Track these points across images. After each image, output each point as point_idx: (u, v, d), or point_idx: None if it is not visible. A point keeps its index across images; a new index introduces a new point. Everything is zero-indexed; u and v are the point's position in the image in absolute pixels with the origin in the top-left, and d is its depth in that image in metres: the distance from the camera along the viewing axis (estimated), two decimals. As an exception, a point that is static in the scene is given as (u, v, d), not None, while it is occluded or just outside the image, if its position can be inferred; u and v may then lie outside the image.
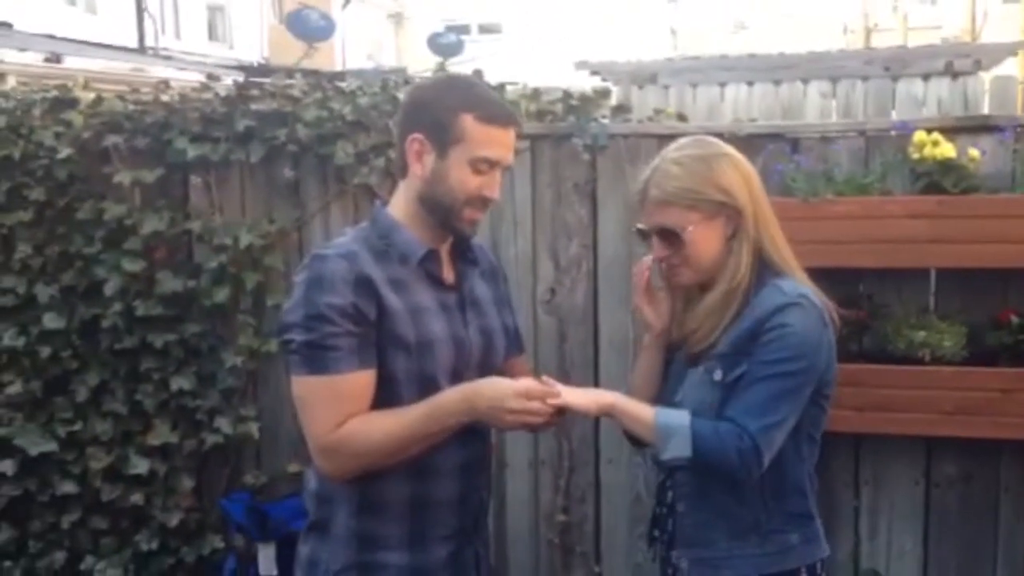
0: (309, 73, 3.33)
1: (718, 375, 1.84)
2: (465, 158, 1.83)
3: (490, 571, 2.08)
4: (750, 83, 7.21)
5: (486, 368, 1.95)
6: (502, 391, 1.78)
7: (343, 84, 3.48)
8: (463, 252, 1.98)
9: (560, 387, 1.82)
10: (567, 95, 3.28)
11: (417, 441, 1.82)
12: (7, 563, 3.44)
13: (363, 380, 1.79)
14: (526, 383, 1.81)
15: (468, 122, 1.81)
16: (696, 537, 1.90)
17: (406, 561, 1.90)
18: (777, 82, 7.13)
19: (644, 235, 1.93)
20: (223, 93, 3.29)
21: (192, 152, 3.22)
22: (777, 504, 1.87)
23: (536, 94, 3.34)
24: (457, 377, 1.89)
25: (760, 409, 1.78)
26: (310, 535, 1.95)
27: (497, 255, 3.19)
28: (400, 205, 1.91)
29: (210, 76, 3.65)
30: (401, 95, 3.24)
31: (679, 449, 1.79)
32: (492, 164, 1.85)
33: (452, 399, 1.81)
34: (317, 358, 1.76)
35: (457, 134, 1.82)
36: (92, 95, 3.42)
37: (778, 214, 2.64)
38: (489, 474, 2.05)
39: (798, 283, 1.87)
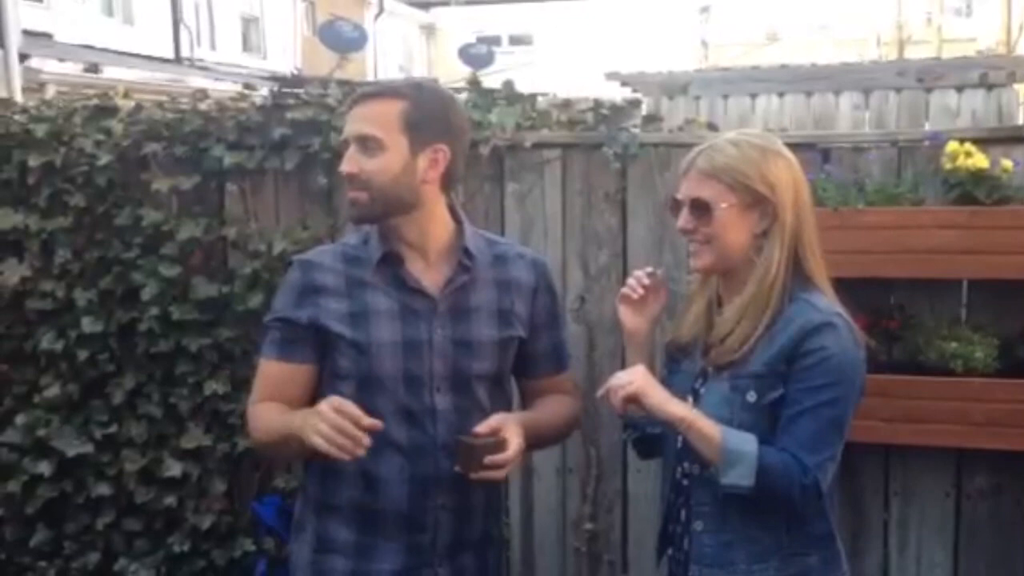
0: (342, 83, 3.36)
1: (751, 396, 1.81)
2: None
3: None
4: (781, 94, 7.20)
5: (460, 378, 1.96)
6: (318, 407, 1.78)
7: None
8: (460, 259, 1.99)
9: (641, 381, 1.80)
10: (598, 104, 3.30)
11: (286, 442, 1.91)
12: (42, 563, 3.50)
13: (278, 369, 2.00)
14: (338, 400, 1.78)
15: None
16: (715, 557, 1.87)
17: (350, 568, 1.96)
18: (809, 93, 7.12)
19: (677, 206, 1.90)
20: (259, 102, 3.35)
21: (228, 160, 3.27)
22: (800, 527, 1.84)
23: (567, 104, 3.36)
24: (417, 382, 1.93)
25: (814, 443, 1.76)
26: (293, 532, 2.08)
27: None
28: None
29: (246, 85, 3.71)
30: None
31: (742, 477, 1.75)
32: (344, 142, 1.97)
33: (298, 414, 1.88)
34: (262, 342, 2.05)
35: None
36: (132, 104, 3.49)
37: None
38: (466, 494, 1.98)
39: (832, 300, 1.85)
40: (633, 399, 1.81)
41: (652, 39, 20.37)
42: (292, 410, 1.95)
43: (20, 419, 3.45)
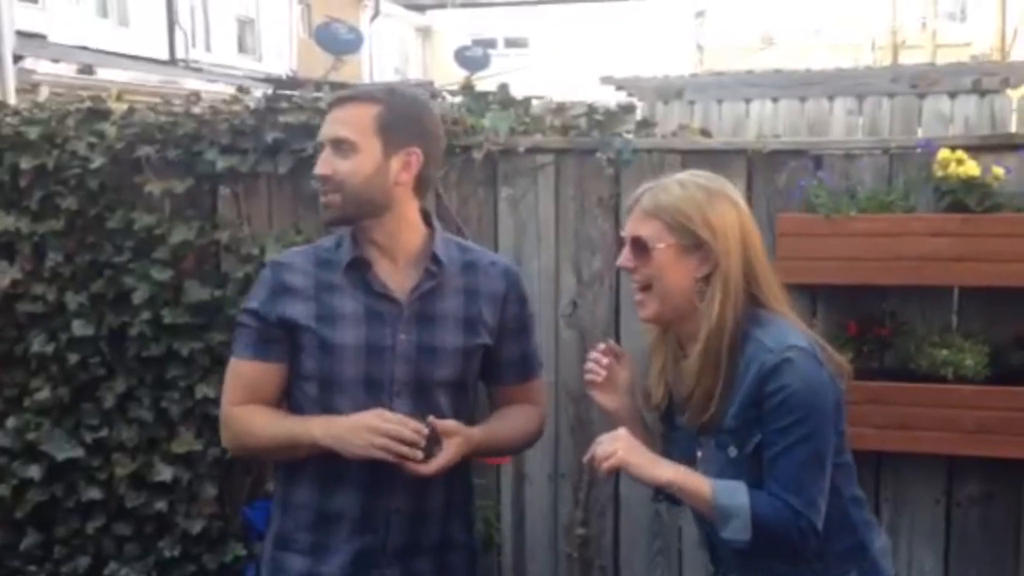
0: (337, 86, 3.36)
1: (732, 452, 1.80)
2: None
3: None
4: (775, 99, 7.23)
5: (423, 384, 1.98)
6: (363, 415, 1.90)
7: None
8: (427, 265, 2.01)
9: (624, 450, 1.78)
10: (592, 110, 3.30)
11: (283, 448, 1.99)
12: (32, 567, 3.49)
13: (253, 369, 2.02)
14: (385, 413, 1.89)
15: None
16: None
17: (306, 568, 2.00)
18: (803, 98, 7.15)
19: (621, 242, 1.90)
20: (252, 106, 3.34)
21: (221, 164, 3.26)
22: (828, 547, 1.82)
23: (561, 108, 3.36)
24: (377, 386, 1.96)
25: (797, 485, 1.75)
26: (267, 529, 2.13)
27: (520, 269, 3.24)
28: None
29: (240, 89, 3.70)
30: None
31: (739, 532, 1.74)
32: (319, 144, 2.02)
33: (315, 422, 1.93)
34: (235, 342, 2.07)
35: None
36: (125, 106, 3.48)
37: (801, 231, 2.66)
38: (422, 498, 1.99)
39: (787, 326, 1.81)
40: (617, 470, 1.80)
41: (647, 43, 20.40)
42: (285, 415, 2.00)
43: (10, 422, 3.44)
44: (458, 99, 3.41)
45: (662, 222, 1.82)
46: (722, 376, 1.79)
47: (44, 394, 3.41)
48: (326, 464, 1.95)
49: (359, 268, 1.99)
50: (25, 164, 3.36)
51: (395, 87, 2.11)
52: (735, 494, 1.76)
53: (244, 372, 2.04)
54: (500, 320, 2.07)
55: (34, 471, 3.42)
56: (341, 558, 1.99)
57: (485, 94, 3.36)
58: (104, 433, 3.41)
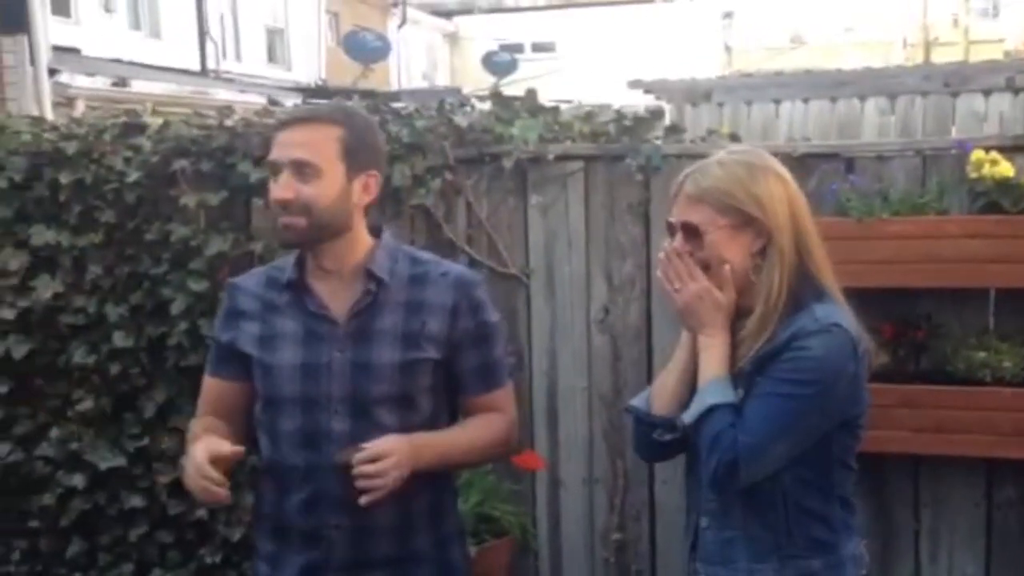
0: (366, 94, 3.40)
1: (740, 394, 1.80)
2: None
3: None
4: (806, 100, 7.18)
5: (359, 401, 1.97)
6: (193, 452, 1.93)
7: (399, 105, 3.54)
8: (366, 284, 2.00)
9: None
10: (620, 116, 3.31)
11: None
12: (78, 575, 3.55)
13: (212, 385, 2.13)
14: (201, 454, 1.89)
15: None
16: (718, 555, 1.87)
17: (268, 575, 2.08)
18: (834, 99, 7.09)
19: (671, 229, 1.89)
20: (283, 118, 3.37)
21: (255, 175, 3.31)
22: (800, 530, 1.81)
23: (589, 115, 3.38)
24: (314, 404, 1.98)
25: (754, 426, 1.73)
26: None
27: (551, 275, 3.26)
28: None
29: (271, 100, 3.74)
30: (457, 118, 3.31)
31: (688, 415, 1.79)
32: (275, 166, 1.98)
33: (196, 445, 1.96)
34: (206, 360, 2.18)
35: None
36: (160, 120, 3.54)
37: (833, 234, 2.63)
38: (367, 515, 1.92)
39: (843, 311, 1.81)
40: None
41: (675, 45, 20.34)
42: (211, 430, 2.03)
43: (54, 433, 3.50)
44: (486, 106, 3.44)
45: (709, 205, 1.81)
46: (765, 337, 1.78)
47: (87, 404, 3.47)
48: (275, 477, 2.04)
49: (298, 289, 2.02)
50: (64, 179, 3.42)
51: (349, 108, 2.10)
52: (718, 393, 1.78)
53: (206, 388, 2.15)
54: (450, 332, 2.02)
55: (78, 480, 3.48)
56: (291, 570, 2.03)
57: (513, 100, 3.37)
58: (145, 442, 3.47)
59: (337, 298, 2.00)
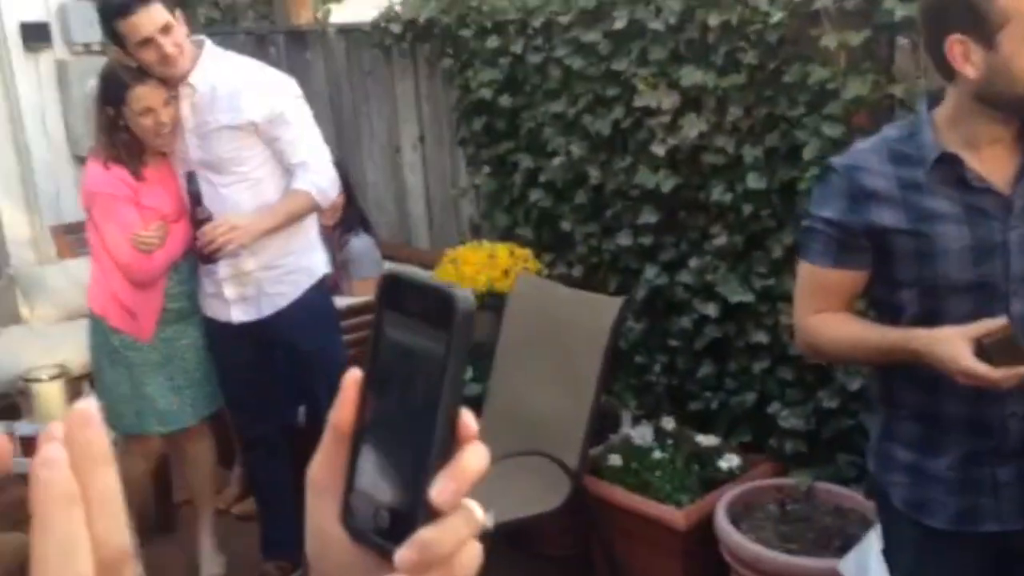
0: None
1: None
2: (1019, 39, 1.62)
3: None
4: None
5: None
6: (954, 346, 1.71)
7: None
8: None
9: None
10: None
11: (870, 357, 1.97)
12: (707, 393, 3.87)
13: (833, 276, 1.94)
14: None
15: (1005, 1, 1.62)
16: None
17: (913, 461, 1.97)
18: None
19: None
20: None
21: (900, 12, 3.02)
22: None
23: None
24: (990, 289, 1.76)
25: None
26: None
27: None
28: (948, 104, 1.83)
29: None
30: None
31: None
32: None
33: (914, 336, 1.79)
34: (807, 247, 2.00)
35: (1000, 18, 1.63)
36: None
37: None
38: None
39: None
40: None
41: None
42: (868, 324, 1.93)
43: (692, 262, 3.77)
44: None
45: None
46: None
47: (721, 240, 3.66)
48: (926, 372, 1.83)
49: (950, 163, 1.79)
50: (712, 21, 3.51)
51: None
52: None
53: (821, 279, 1.98)
54: None
55: (711, 309, 3.73)
56: (950, 458, 1.91)
57: None
58: (772, 282, 3.56)
59: (990, 169, 1.81)
